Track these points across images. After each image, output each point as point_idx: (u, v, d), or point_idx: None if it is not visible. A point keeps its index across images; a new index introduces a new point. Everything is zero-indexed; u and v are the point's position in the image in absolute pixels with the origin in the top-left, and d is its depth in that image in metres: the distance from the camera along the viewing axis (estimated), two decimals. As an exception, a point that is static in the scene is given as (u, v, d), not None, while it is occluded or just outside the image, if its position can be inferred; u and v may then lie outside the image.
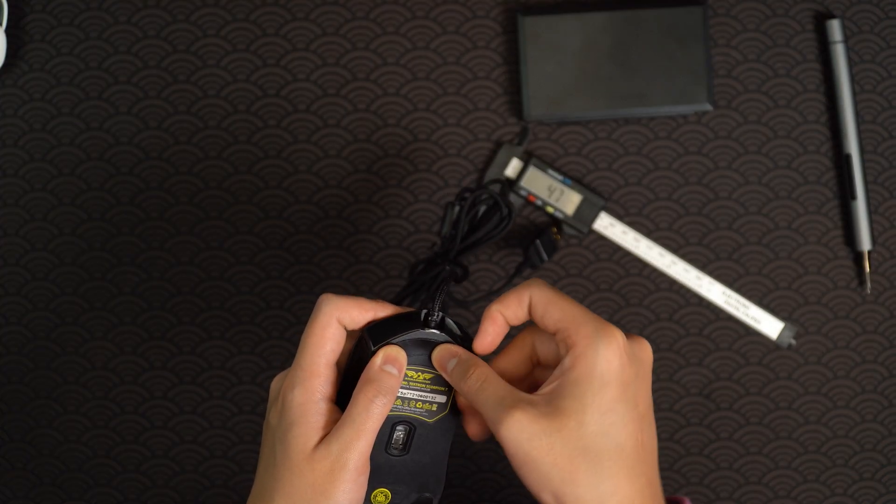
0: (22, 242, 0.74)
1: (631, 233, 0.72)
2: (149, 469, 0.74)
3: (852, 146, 0.72)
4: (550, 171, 0.72)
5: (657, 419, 0.73)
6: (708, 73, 0.70)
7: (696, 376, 0.73)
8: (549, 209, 0.72)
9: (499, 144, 0.73)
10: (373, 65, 0.73)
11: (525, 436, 0.47)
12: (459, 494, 0.73)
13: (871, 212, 0.72)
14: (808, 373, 0.73)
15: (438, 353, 0.51)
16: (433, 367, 0.52)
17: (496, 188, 0.68)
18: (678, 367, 0.73)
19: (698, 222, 0.73)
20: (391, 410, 0.52)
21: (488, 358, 0.52)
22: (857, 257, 0.73)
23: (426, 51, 0.73)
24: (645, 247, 0.72)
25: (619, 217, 0.73)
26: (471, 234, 0.56)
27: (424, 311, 0.52)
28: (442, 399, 0.52)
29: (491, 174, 0.72)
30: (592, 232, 0.73)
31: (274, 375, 0.73)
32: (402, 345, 0.51)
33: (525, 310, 0.51)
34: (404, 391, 0.52)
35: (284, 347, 0.73)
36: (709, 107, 0.71)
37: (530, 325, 0.53)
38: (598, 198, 0.72)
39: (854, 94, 0.72)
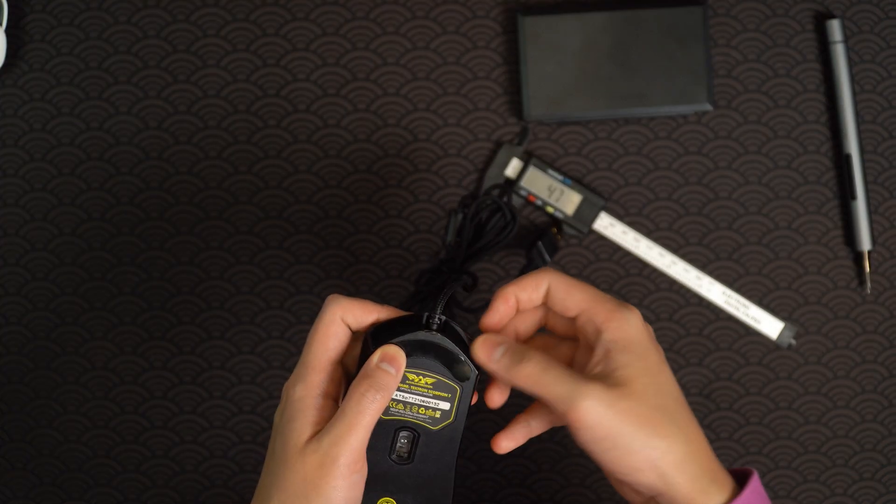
0: (22, 242, 0.74)
1: (631, 233, 0.72)
2: (149, 469, 0.74)
3: (852, 146, 0.72)
4: (550, 171, 0.72)
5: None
6: (708, 73, 0.70)
7: (696, 376, 0.73)
8: (549, 209, 0.72)
9: (499, 144, 0.73)
10: (373, 65, 0.73)
11: (605, 406, 0.48)
12: (459, 494, 0.73)
13: (871, 212, 0.72)
14: (808, 373, 0.73)
15: (482, 344, 0.51)
16: (435, 371, 0.51)
17: (496, 193, 0.69)
18: (678, 367, 0.73)
19: (698, 222, 0.73)
20: (392, 414, 0.51)
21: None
22: (857, 257, 0.73)
23: (426, 51, 0.73)
24: (645, 247, 0.72)
25: (619, 217, 0.73)
26: (475, 241, 0.56)
27: (427, 314, 0.52)
28: (445, 406, 0.52)
29: (491, 174, 0.72)
30: (592, 232, 0.73)
31: (274, 375, 0.73)
32: (403, 346, 0.51)
33: (541, 295, 0.52)
34: (405, 395, 0.51)
35: (284, 347, 0.73)
36: (709, 107, 0.71)
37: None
38: (598, 198, 0.72)
39: (854, 94, 0.72)
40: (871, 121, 0.73)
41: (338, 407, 0.51)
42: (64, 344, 0.74)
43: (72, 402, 0.74)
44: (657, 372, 0.50)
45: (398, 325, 0.52)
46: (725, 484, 0.50)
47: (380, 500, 0.52)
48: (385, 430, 0.52)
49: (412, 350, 0.51)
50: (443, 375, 0.51)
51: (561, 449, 0.73)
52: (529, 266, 0.71)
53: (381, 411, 0.50)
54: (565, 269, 0.73)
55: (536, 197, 0.72)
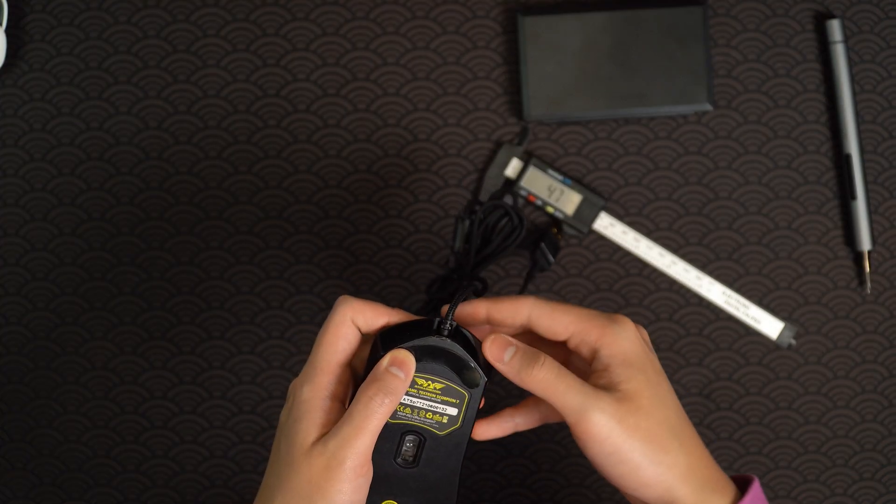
0: (22, 242, 0.74)
1: (631, 233, 0.72)
2: (149, 469, 0.74)
3: (852, 146, 0.72)
4: (550, 171, 0.72)
5: (657, 419, 0.73)
6: (708, 73, 0.70)
7: (696, 376, 0.73)
8: (549, 209, 0.72)
9: (499, 144, 0.73)
10: (373, 65, 0.73)
11: (616, 420, 0.48)
12: (460, 494, 0.73)
13: (871, 212, 0.72)
14: (808, 373, 0.73)
15: (492, 342, 0.51)
16: (444, 377, 0.51)
17: (508, 200, 0.69)
18: (678, 367, 0.73)
19: (698, 222, 0.73)
20: (399, 418, 0.51)
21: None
22: (857, 257, 0.73)
23: (426, 51, 0.73)
24: (645, 247, 0.72)
25: (619, 217, 0.73)
26: (484, 247, 0.56)
27: (438, 320, 0.51)
28: (453, 412, 0.51)
29: (491, 174, 0.72)
30: (592, 232, 0.73)
31: (274, 375, 0.73)
32: (413, 351, 0.50)
33: (517, 322, 0.52)
34: (413, 399, 0.51)
35: (284, 347, 0.73)
36: (709, 107, 0.71)
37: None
38: (598, 198, 0.72)
39: (854, 94, 0.72)
40: (871, 121, 0.73)
41: (345, 409, 0.51)
42: (64, 344, 0.74)
43: (72, 402, 0.74)
44: (657, 384, 0.50)
45: (409, 330, 0.51)
46: (727, 492, 0.50)
47: (383, 503, 0.52)
48: (391, 434, 0.51)
49: (422, 355, 0.51)
50: (451, 381, 0.51)
51: (561, 449, 0.73)
52: (534, 267, 0.71)
53: (389, 415, 0.50)
54: (565, 269, 0.73)
55: (536, 197, 0.72)
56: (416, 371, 0.51)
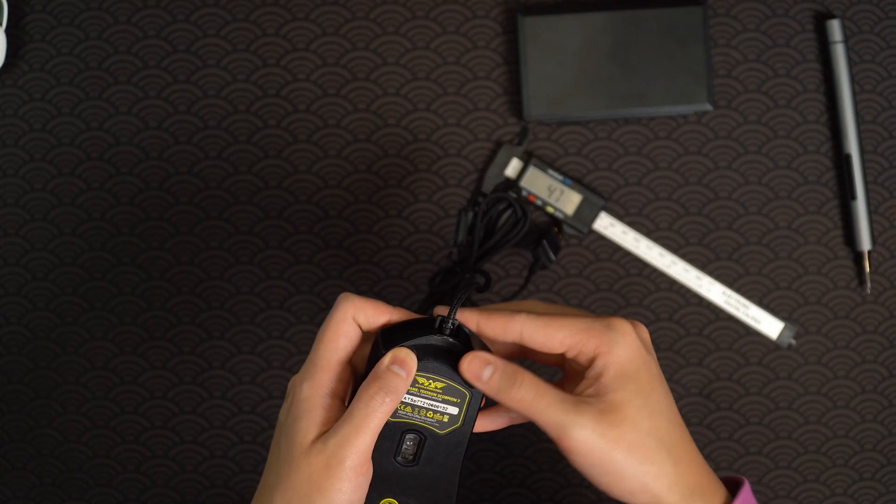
0: (22, 242, 0.74)
1: (631, 233, 0.72)
2: (149, 469, 0.74)
3: (852, 146, 0.72)
4: (550, 171, 0.72)
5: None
6: (708, 73, 0.70)
7: (696, 376, 0.73)
8: (549, 209, 0.72)
9: (499, 144, 0.73)
10: (373, 65, 0.73)
11: (596, 435, 0.48)
12: (459, 494, 0.73)
13: (871, 212, 0.72)
14: (808, 373, 0.73)
15: (469, 362, 0.50)
16: (445, 376, 0.51)
17: (511, 192, 0.69)
18: (678, 367, 0.73)
19: (698, 222, 0.73)
20: (400, 417, 0.51)
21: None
22: (857, 257, 0.73)
23: (426, 51, 0.73)
24: (645, 247, 0.72)
25: (619, 217, 0.73)
26: (487, 239, 0.55)
27: (440, 318, 0.51)
28: (454, 411, 0.51)
29: (491, 174, 0.72)
30: (592, 232, 0.73)
31: (274, 375, 0.73)
32: (415, 350, 0.50)
33: (511, 337, 0.51)
34: (414, 398, 0.51)
35: (284, 347, 0.73)
36: (709, 107, 0.71)
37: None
38: (598, 198, 0.72)
39: (854, 94, 0.72)
40: (871, 121, 0.73)
41: (345, 407, 0.50)
42: (64, 344, 0.74)
43: (72, 402, 0.74)
44: (648, 391, 0.50)
45: (410, 328, 0.51)
46: (716, 496, 0.50)
47: (382, 501, 0.51)
48: (391, 432, 0.51)
49: (423, 354, 0.50)
50: (453, 380, 0.51)
51: (561, 449, 0.73)
52: (536, 264, 0.71)
53: (390, 414, 0.49)
54: (565, 269, 0.73)
55: (536, 197, 0.72)
56: (418, 370, 0.50)
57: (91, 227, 0.74)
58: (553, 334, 0.50)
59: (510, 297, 0.73)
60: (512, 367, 0.50)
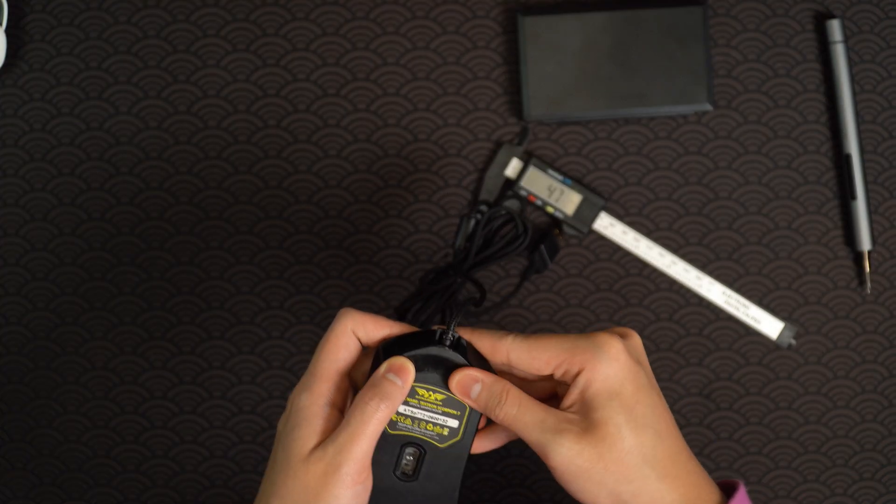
0: (22, 242, 0.74)
1: (631, 233, 0.72)
2: (149, 469, 0.74)
3: (852, 146, 0.72)
4: (550, 171, 0.72)
5: (657, 419, 0.73)
6: (708, 73, 0.70)
7: (696, 376, 0.73)
8: (549, 209, 0.72)
9: (499, 144, 0.73)
10: (373, 65, 0.73)
11: (574, 453, 0.49)
12: (460, 494, 0.73)
13: (871, 212, 0.72)
14: (808, 373, 0.73)
15: (459, 379, 0.51)
16: (445, 388, 0.51)
17: (514, 204, 0.68)
18: (678, 367, 0.73)
19: (698, 222, 0.73)
20: (400, 429, 0.51)
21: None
22: (857, 257, 0.73)
23: (426, 51, 0.73)
24: (645, 247, 0.72)
25: (619, 217, 0.73)
26: (484, 248, 0.56)
27: (440, 331, 0.51)
28: (454, 424, 0.51)
29: (491, 174, 0.72)
30: (592, 232, 0.73)
31: (274, 375, 0.73)
32: (414, 361, 0.50)
33: (499, 359, 0.52)
34: (414, 410, 0.51)
35: (284, 347, 0.73)
36: (709, 107, 0.71)
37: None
38: (598, 198, 0.72)
39: (854, 94, 0.72)
40: (871, 121, 0.73)
41: (340, 416, 0.50)
42: (64, 344, 0.74)
43: (72, 402, 0.74)
44: (633, 405, 0.50)
45: (411, 341, 0.51)
46: (708, 501, 0.50)
47: None
48: (391, 446, 0.51)
49: (423, 365, 0.50)
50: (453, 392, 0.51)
51: (561, 449, 0.73)
52: (530, 268, 0.71)
53: (386, 421, 0.49)
54: (565, 269, 0.73)
55: (536, 197, 0.72)
56: (418, 381, 0.50)
57: (91, 227, 0.74)
58: (538, 355, 0.51)
59: (505, 299, 0.73)
60: (500, 384, 0.51)
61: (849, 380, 0.73)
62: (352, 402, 0.51)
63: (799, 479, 0.73)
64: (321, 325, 0.73)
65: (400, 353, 0.50)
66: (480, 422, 0.52)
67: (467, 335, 0.52)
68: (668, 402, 0.73)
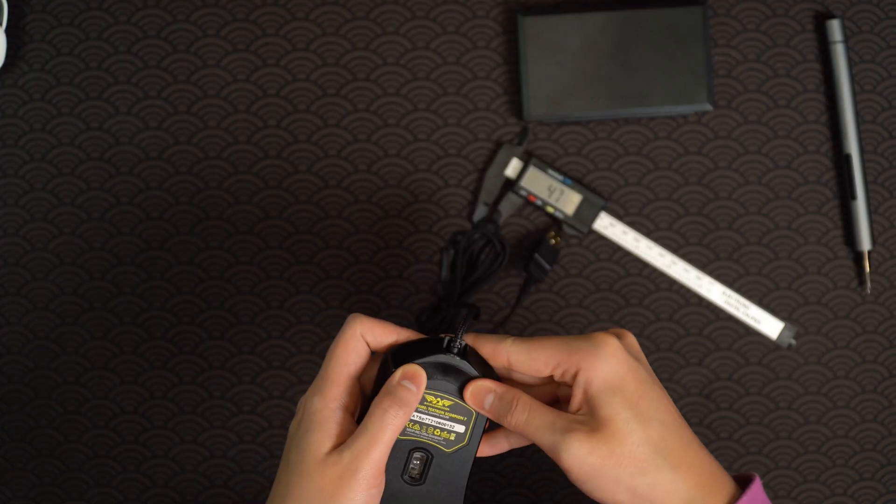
0: (22, 242, 0.74)
1: (631, 233, 0.72)
2: (149, 469, 0.74)
3: (852, 146, 0.72)
4: (550, 171, 0.72)
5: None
6: (708, 73, 0.70)
7: (696, 376, 0.73)
8: (549, 209, 0.72)
9: (499, 144, 0.73)
10: (373, 65, 0.73)
11: (585, 452, 0.49)
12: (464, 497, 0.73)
13: (871, 212, 0.72)
14: (808, 373, 0.73)
15: (473, 391, 0.52)
16: (453, 394, 0.52)
17: (489, 227, 0.69)
18: (678, 367, 0.73)
19: (698, 222, 0.73)
20: (408, 434, 0.52)
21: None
22: (857, 257, 0.73)
23: (426, 51, 0.73)
24: (645, 247, 0.72)
25: (619, 217, 0.73)
26: (469, 274, 0.57)
27: (447, 338, 0.52)
28: (461, 429, 0.52)
29: (491, 174, 0.72)
30: (592, 232, 0.73)
31: (274, 375, 0.73)
32: (424, 368, 0.51)
33: (500, 362, 0.53)
34: (422, 416, 0.52)
35: (284, 347, 0.73)
36: (709, 107, 0.71)
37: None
38: (598, 198, 0.72)
39: (854, 94, 0.72)
40: (871, 121, 0.73)
41: (354, 421, 0.52)
42: (64, 344, 0.74)
43: (72, 402, 0.74)
44: (637, 400, 0.50)
45: (419, 348, 0.52)
46: (721, 494, 0.51)
47: None
48: (400, 450, 0.52)
49: (432, 372, 0.51)
50: (460, 398, 0.52)
51: (561, 449, 0.73)
52: (529, 280, 0.71)
53: (402, 427, 0.50)
54: (565, 269, 0.73)
55: (536, 197, 0.72)
56: (427, 387, 0.52)
57: (91, 227, 0.74)
58: (537, 356, 0.52)
59: (503, 321, 0.73)
60: (511, 393, 0.52)
61: (849, 380, 0.73)
62: (362, 406, 0.53)
63: (799, 479, 0.73)
64: (321, 325, 0.73)
65: (408, 359, 0.51)
66: (487, 423, 0.53)
67: (470, 340, 0.54)
68: (668, 402, 0.73)
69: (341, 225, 0.73)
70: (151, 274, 0.73)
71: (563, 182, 0.72)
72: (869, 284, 0.72)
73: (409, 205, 0.73)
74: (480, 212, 0.72)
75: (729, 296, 0.72)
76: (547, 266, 0.71)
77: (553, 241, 0.71)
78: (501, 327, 0.72)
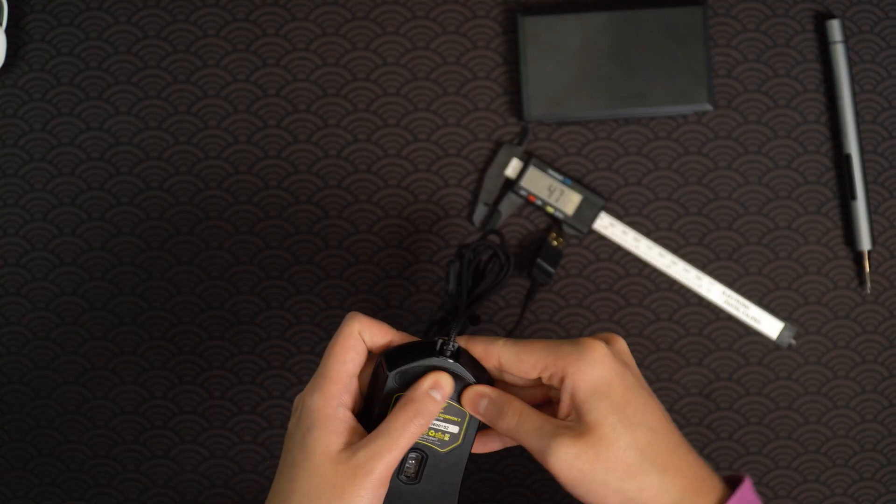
0: (22, 242, 0.74)
1: (631, 233, 0.72)
2: (149, 469, 0.74)
3: (852, 146, 0.72)
4: (550, 171, 0.72)
5: (657, 419, 0.73)
6: (708, 73, 0.70)
7: (696, 376, 0.73)
8: (549, 209, 0.72)
9: (499, 144, 0.73)
10: (373, 65, 0.73)
11: (572, 456, 0.50)
12: (460, 494, 0.73)
13: (871, 212, 0.72)
14: (808, 373, 0.73)
15: (468, 396, 0.53)
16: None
17: (494, 239, 0.70)
18: (678, 367, 0.73)
19: (698, 222, 0.73)
20: None
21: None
22: (857, 257, 0.73)
23: (426, 51, 0.73)
24: (645, 247, 0.72)
25: (619, 217, 0.73)
26: (475, 286, 0.58)
27: (440, 341, 0.53)
28: (454, 429, 0.53)
29: (491, 174, 0.72)
30: (592, 232, 0.73)
31: (274, 375, 0.73)
32: (416, 371, 0.52)
33: (492, 363, 0.54)
34: None
35: (284, 347, 0.73)
36: (709, 107, 0.71)
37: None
38: (598, 198, 0.72)
39: (854, 94, 0.72)
40: (871, 121, 0.73)
41: (354, 418, 0.52)
42: (64, 344, 0.74)
43: (72, 402, 0.74)
44: (624, 405, 0.51)
45: (413, 350, 0.53)
46: (712, 493, 0.51)
47: None
48: None
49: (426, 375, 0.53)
50: (453, 400, 0.53)
51: (561, 449, 0.73)
52: (534, 286, 0.71)
53: (421, 434, 0.51)
54: (565, 269, 0.73)
55: (536, 197, 0.72)
56: None
57: (91, 227, 0.74)
58: (525, 358, 0.52)
59: (512, 329, 0.73)
60: (503, 397, 0.53)
61: (849, 380, 0.73)
62: (359, 405, 0.53)
63: (799, 479, 0.73)
64: (321, 325, 0.73)
65: (402, 362, 0.52)
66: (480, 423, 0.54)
67: (462, 342, 0.54)
68: (668, 402, 0.73)
69: (341, 225, 0.73)
70: (151, 274, 0.73)
71: (563, 182, 0.72)
72: (869, 284, 0.72)
73: (409, 205, 0.73)
74: (480, 212, 0.72)
75: (729, 296, 0.72)
76: (551, 270, 0.71)
77: (555, 243, 0.71)
78: (511, 335, 0.72)
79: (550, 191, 0.72)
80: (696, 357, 0.73)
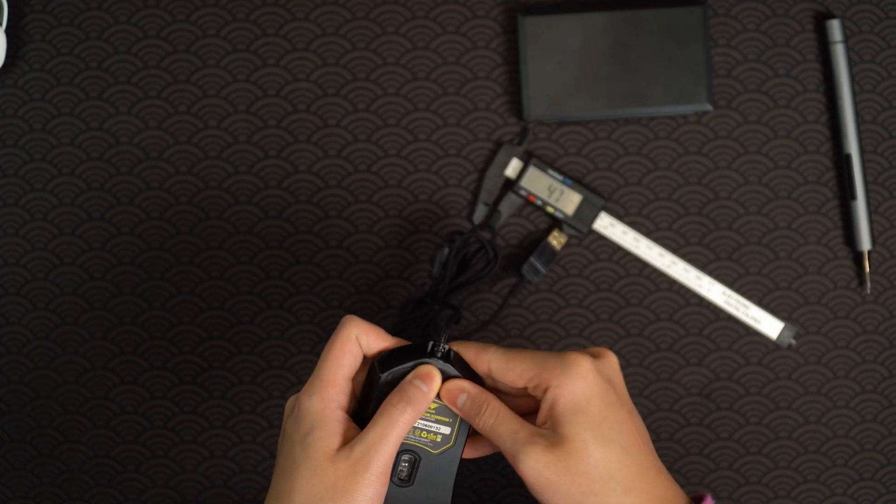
0: (22, 242, 0.74)
1: (631, 233, 0.72)
2: (149, 469, 0.74)
3: (852, 146, 0.72)
4: (550, 171, 0.72)
5: (657, 419, 0.73)
6: (708, 73, 0.70)
7: (696, 376, 0.73)
8: (549, 209, 0.72)
9: (499, 144, 0.73)
10: (373, 65, 0.73)
11: (542, 465, 0.51)
12: (459, 494, 0.73)
13: (871, 212, 0.72)
14: (808, 373, 0.73)
15: (447, 389, 0.53)
16: (437, 398, 0.54)
17: (485, 234, 0.71)
18: (678, 367, 0.73)
19: (698, 222, 0.73)
20: None
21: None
22: (857, 257, 0.73)
23: (426, 51, 0.73)
24: (645, 247, 0.72)
25: (619, 217, 0.73)
26: (459, 274, 0.58)
27: (431, 343, 0.54)
28: (446, 430, 0.54)
29: (491, 174, 0.72)
30: (592, 232, 0.73)
31: (274, 375, 0.73)
32: (407, 371, 0.53)
33: (482, 369, 0.55)
34: None
35: (284, 347, 0.73)
36: (709, 107, 0.71)
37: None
38: (598, 198, 0.72)
39: (854, 94, 0.72)
40: (871, 121, 0.73)
41: (351, 420, 0.53)
42: (64, 344, 0.74)
43: (72, 402, 0.74)
44: (600, 422, 0.51)
45: (405, 353, 0.54)
46: None
47: None
48: None
49: None
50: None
51: (561, 449, 0.73)
52: (521, 281, 0.71)
53: (412, 424, 0.52)
54: (565, 269, 0.73)
55: (536, 197, 0.72)
56: None
57: (91, 227, 0.74)
58: (513, 367, 0.53)
59: (488, 321, 0.73)
60: (483, 396, 0.53)
61: (849, 380, 0.73)
62: (355, 409, 0.54)
63: (799, 479, 0.73)
64: (321, 325, 0.73)
65: (395, 364, 0.53)
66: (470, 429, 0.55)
67: (456, 347, 0.55)
68: (668, 402, 0.73)
69: (341, 225, 0.73)
70: (151, 274, 0.73)
71: (563, 182, 0.72)
72: (869, 284, 0.72)
73: (409, 205, 0.73)
74: (480, 212, 0.72)
75: (729, 296, 0.72)
76: (541, 269, 0.71)
77: (556, 243, 0.71)
78: (486, 328, 0.72)
79: (550, 191, 0.72)
80: (696, 357, 0.73)
